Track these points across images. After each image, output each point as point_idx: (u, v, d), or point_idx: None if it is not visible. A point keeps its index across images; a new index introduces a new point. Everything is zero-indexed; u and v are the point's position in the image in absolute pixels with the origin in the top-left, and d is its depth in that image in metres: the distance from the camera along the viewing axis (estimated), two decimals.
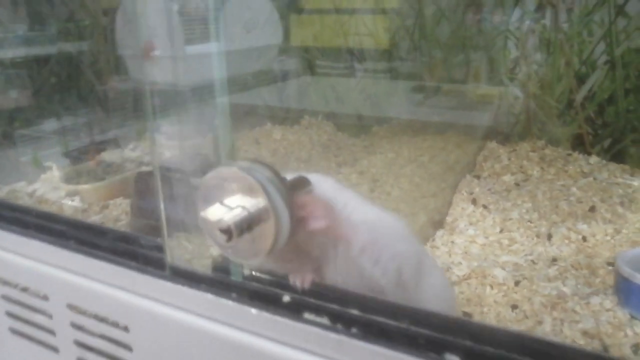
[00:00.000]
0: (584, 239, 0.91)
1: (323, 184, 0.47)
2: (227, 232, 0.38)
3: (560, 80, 1.24)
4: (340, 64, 1.68)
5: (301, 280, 0.44)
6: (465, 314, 0.70)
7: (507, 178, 1.15)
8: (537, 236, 0.93)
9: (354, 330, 0.40)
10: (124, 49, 1.67)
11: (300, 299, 0.44)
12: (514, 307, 0.71)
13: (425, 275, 0.51)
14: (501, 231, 0.96)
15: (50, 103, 1.55)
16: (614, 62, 1.18)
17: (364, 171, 1.20)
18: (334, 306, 0.41)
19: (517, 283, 0.75)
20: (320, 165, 1.29)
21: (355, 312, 0.41)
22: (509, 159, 1.21)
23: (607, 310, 0.67)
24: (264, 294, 0.46)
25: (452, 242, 0.94)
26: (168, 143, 0.62)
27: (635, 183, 1.11)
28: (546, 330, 0.65)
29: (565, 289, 0.73)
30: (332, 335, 0.42)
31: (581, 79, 1.22)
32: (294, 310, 0.44)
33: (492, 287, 0.75)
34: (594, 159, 1.21)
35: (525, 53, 1.26)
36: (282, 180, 0.40)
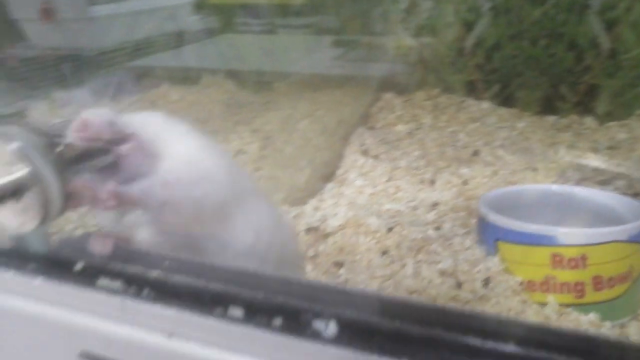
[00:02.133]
0: (465, 182, 0.94)
1: (148, 126, 0.45)
2: None
3: (449, 28, 1.25)
4: (260, 20, 1.62)
5: (101, 245, 0.42)
6: (337, 262, 0.71)
7: (400, 127, 1.17)
8: (422, 182, 0.95)
9: (145, 292, 0.39)
10: (17, 12, 1.54)
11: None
12: (384, 252, 0.72)
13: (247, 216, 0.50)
14: (389, 180, 0.97)
15: None
16: (498, 9, 1.20)
17: (257, 129, 1.18)
18: (133, 270, 0.40)
19: (390, 230, 0.76)
20: (216, 125, 1.26)
21: (153, 274, 0.39)
22: (404, 109, 1.23)
23: (467, 249, 0.70)
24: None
25: (341, 193, 0.95)
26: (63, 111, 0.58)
27: (520, 125, 1.15)
28: (408, 272, 0.67)
29: (431, 232, 0.75)
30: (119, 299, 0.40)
31: (469, 27, 1.23)
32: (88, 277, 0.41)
33: (365, 235, 0.76)
34: (485, 104, 1.24)
35: (415, 2, 1.26)
36: (52, 145, 0.38)
